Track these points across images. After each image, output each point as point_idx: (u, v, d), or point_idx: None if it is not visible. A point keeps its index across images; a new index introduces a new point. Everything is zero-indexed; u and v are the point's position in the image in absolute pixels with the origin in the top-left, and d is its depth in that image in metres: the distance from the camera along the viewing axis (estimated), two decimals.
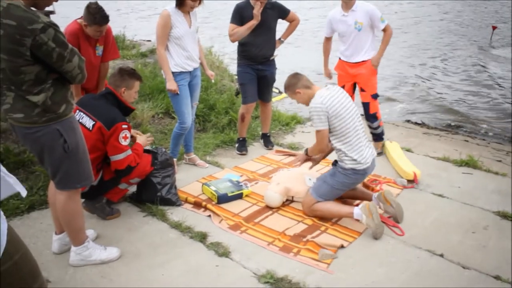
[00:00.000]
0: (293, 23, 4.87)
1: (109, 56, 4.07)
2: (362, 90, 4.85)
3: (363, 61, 4.73)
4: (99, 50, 3.93)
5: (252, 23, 4.46)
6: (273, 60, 4.91)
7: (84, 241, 2.93)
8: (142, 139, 3.61)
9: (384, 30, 4.66)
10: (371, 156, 3.50)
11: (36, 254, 2.94)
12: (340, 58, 4.93)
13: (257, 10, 4.42)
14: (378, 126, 4.97)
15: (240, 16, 4.53)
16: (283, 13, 4.73)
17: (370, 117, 4.92)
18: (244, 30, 4.50)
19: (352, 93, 4.98)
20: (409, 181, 4.25)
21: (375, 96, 4.85)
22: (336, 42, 4.91)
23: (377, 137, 5.03)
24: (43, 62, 2.39)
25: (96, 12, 3.64)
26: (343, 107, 3.42)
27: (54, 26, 2.36)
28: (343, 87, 4.92)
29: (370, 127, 5.01)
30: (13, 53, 2.30)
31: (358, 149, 3.43)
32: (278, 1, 4.72)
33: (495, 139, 6.17)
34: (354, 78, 4.85)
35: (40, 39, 2.29)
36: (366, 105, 4.89)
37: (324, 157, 3.98)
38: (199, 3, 4.07)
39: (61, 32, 2.40)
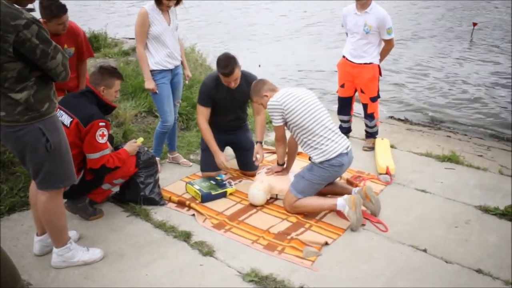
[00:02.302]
0: (260, 118, 4.21)
1: (84, 56, 4.00)
2: (362, 91, 4.90)
3: (365, 63, 4.75)
4: (67, 52, 3.83)
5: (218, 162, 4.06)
6: (245, 124, 4.45)
7: (66, 242, 2.89)
8: (130, 148, 3.55)
9: (386, 40, 4.72)
10: (341, 147, 3.52)
11: (17, 257, 2.93)
12: (343, 56, 4.92)
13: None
14: (374, 126, 5.06)
15: (209, 97, 4.04)
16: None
17: (368, 116, 5.01)
18: (209, 143, 4.08)
19: (353, 92, 5.02)
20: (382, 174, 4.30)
21: (374, 99, 4.90)
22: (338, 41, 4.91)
23: (370, 135, 5.10)
24: (26, 59, 2.35)
25: (50, 4, 3.52)
26: (301, 103, 3.54)
27: (38, 23, 2.33)
28: (343, 85, 4.97)
29: (366, 125, 5.09)
30: None
31: (325, 142, 3.50)
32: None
33: (476, 134, 6.27)
34: (354, 79, 4.88)
35: (23, 35, 2.26)
36: (364, 106, 4.98)
37: (293, 160, 4.04)
38: (177, 3, 4.05)
39: (44, 29, 2.37)
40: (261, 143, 4.14)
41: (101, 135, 3.22)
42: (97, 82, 3.35)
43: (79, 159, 3.27)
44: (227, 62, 3.80)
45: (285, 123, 3.63)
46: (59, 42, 3.73)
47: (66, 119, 3.21)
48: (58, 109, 3.24)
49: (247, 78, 4.06)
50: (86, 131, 3.19)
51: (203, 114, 4.10)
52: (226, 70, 3.79)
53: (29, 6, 2.60)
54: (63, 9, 3.58)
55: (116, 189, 3.70)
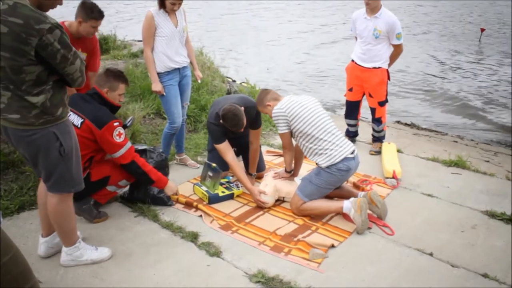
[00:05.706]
0: (253, 148, 4.13)
1: (91, 68, 3.94)
2: (370, 95, 4.92)
3: (374, 67, 4.77)
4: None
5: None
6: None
7: (75, 242, 2.92)
8: (169, 186, 3.64)
9: (395, 45, 4.75)
10: (345, 151, 3.53)
11: (26, 255, 2.92)
12: (352, 60, 4.94)
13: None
14: (382, 130, 5.07)
15: (223, 134, 3.90)
16: (256, 124, 4.08)
17: (375, 120, 5.02)
18: (241, 179, 3.91)
19: (361, 96, 5.04)
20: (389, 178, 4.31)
21: (382, 103, 4.92)
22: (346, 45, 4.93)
23: (377, 139, 5.12)
24: (46, 62, 2.36)
25: (93, 6, 3.62)
26: (304, 109, 3.59)
27: (60, 28, 2.35)
28: (351, 89, 4.99)
29: (374, 129, 5.11)
30: (17, 51, 2.27)
31: (329, 146, 3.52)
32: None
33: (483, 140, 6.26)
34: (363, 83, 4.90)
35: (46, 40, 2.28)
36: (372, 110, 5.00)
37: (299, 166, 4.08)
38: (180, 6, 4.06)
39: (66, 34, 2.39)
40: (252, 175, 4.19)
41: (118, 135, 3.30)
42: (101, 84, 3.40)
43: (85, 158, 3.30)
44: (235, 119, 3.71)
45: (290, 131, 3.66)
46: (75, 45, 3.77)
47: (76, 119, 3.25)
48: None
49: (245, 110, 3.89)
50: (102, 133, 3.23)
51: (226, 149, 3.92)
52: (238, 127, 3.76)
53: None
54: (102, 15, 3.69)
55: (120, 191, 3.72)
